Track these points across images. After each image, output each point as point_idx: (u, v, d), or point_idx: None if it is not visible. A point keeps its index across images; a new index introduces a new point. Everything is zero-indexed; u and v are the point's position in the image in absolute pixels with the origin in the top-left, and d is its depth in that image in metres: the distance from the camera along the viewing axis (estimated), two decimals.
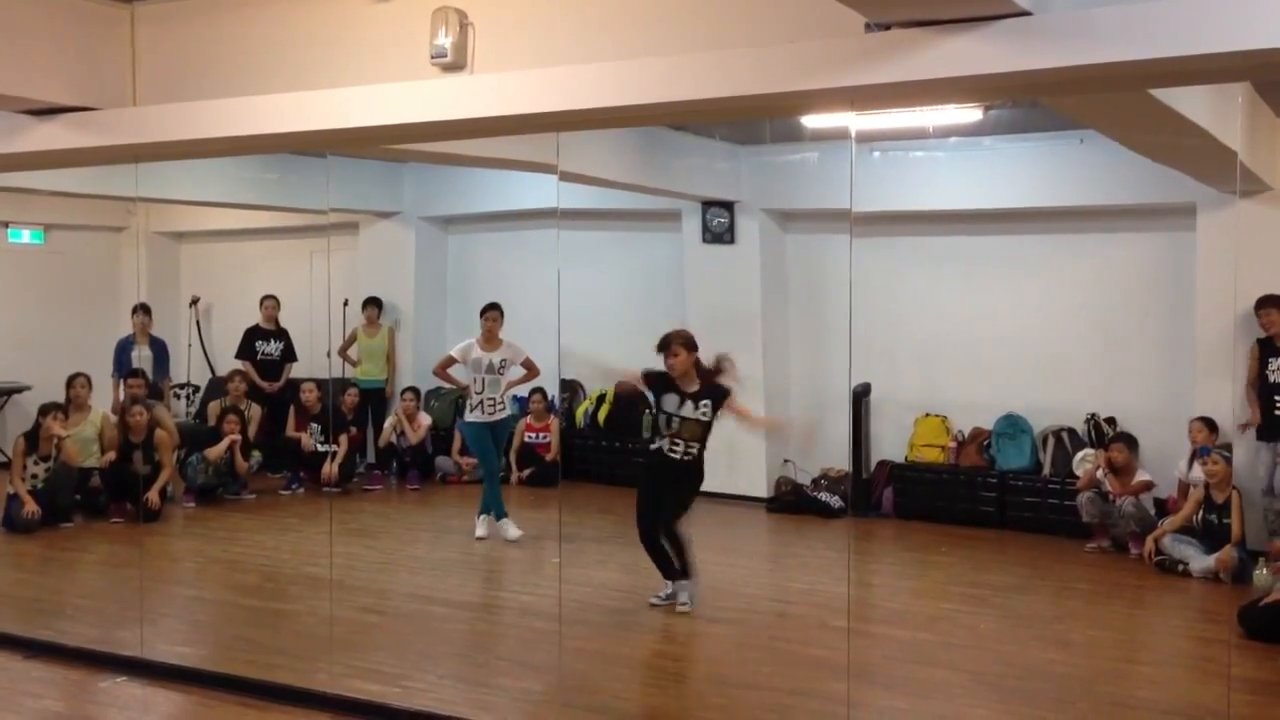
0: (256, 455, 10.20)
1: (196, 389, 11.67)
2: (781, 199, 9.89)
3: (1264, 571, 7.04)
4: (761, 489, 9.87)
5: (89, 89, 5.57)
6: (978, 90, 4.72)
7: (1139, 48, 3.66)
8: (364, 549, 8.22)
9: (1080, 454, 8.82)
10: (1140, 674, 5.93)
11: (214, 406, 10.54)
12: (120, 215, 11.92)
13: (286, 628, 6.53)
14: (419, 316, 11.66)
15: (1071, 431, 8.99)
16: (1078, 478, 8.57)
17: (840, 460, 9.67)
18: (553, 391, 10.38)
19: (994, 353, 9.33)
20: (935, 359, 9.60)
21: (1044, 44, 3.77)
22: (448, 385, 9.13)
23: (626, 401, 10.51)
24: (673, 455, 6.59)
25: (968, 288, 9.51)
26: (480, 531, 8.45)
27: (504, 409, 8.52)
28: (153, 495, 9.07)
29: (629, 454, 10.40)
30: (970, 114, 7.66)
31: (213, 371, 11.85)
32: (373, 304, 11.22)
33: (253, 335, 11.04)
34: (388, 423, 10.75)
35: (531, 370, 8.65)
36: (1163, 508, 8.24)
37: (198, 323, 11.94)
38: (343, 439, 10.34)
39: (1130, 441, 8.33)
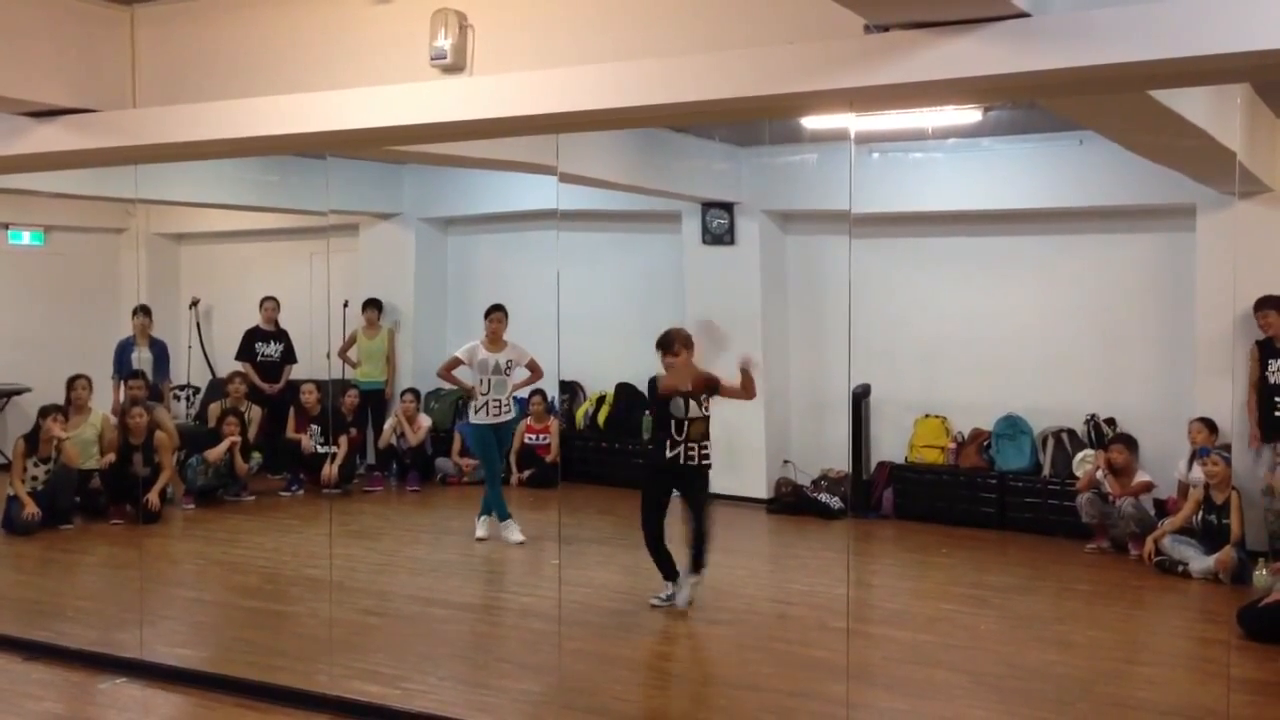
0: (256, 457, 10.20)
1: (196, 390, 11.68)
2: (781, 200, 9.89)
3: (1263, 572, 7.04)
4: (761, 490, 9.87)
5: (89, 91, 5.58)
6: (977, 91, 4.72)
7: (1138, 49, 3.66)
8: (364, 550, 8.22)
9: (1080, 455, 8.82)
10: (1140, 675, 5.93)
11: (214, 408, 10.54)
12: (120, 217, 11.92)
13: (286, 629, 6.53)
14: (419, 318, 11.67)
15: (1071, 432, 8.99)
16: (1077, 478, 8.57)
17: (840, 461, 9.68)
18: (552, 393, 10.38)
19: (994, 354, 9.34)
20: (935, 360, 9.60)
21: (1043, 45, 3.77)
22: (448, 386, 9.13)
23: (627, 402, 10.53)
24: (689, 462, 6.62)
25: (967, 289, 9.51)
26: (480, 533, 8.45)
27: (510, 411, 8.52)
28: (153, 497, 9.07)
29: (629, 455, 10.41)
30: (969, 115, 7.66)
31: (213, 373, 11.86)
32: (372, 305, 11.22)
33: (252, 337, 11.05)
34: (388, 424, 10.76)
35: (535, 372, 8.64)
36: (1162, 508, 8.24)
37: (198, 324, 11.94)
38: (342, 440, 10.34)
39: (1130, 442, 8.33)
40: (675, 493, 6.81)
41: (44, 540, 8.59)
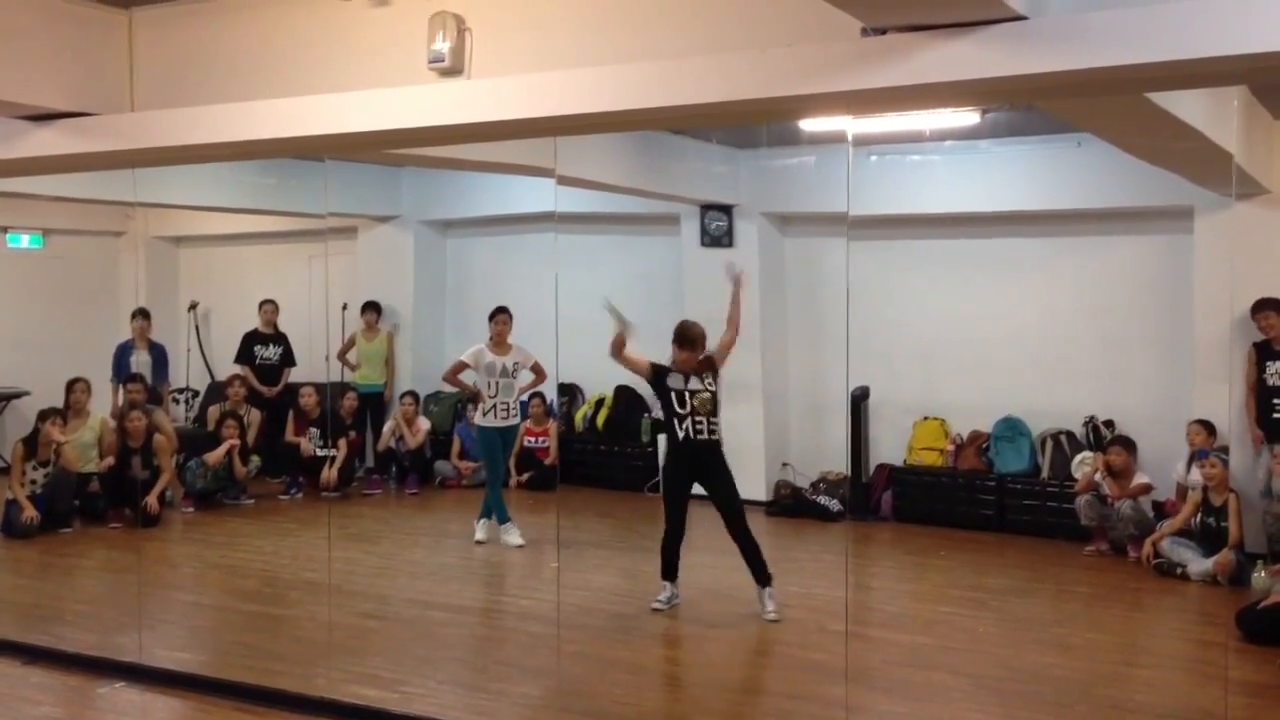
0: (255, 460, 10.20)
1: (195, 394, 11.68)
2: (779, 202, 9.90)
3: (1262, 574, 7.04)
4: (760, 492, 9.86)
5: (87, 94, 5.58)
6: (974, 94, 4.73)
7: (1134, 52, 3.67)
8: (363, 554, 8.22)
9: (1079, 457, 8.82)
10: (1139, 677, 5.93)
11: (213, 411, 10.55)
12: (119, 220, 11.93)
13: (285, 633, 6.52)
14: (418, 320, 11.67)
15: (1070, 434, 8.99)
16: (1076, 481, 8.57)
17: (839, 463, 9.68)
18: (551, 396, 10.38)
19: (992, 356, 9.34)
20: (933, 362, 9.61)
21: (1040, 48, 3.78)
22: (448, 389, 9.11)
23: (625, 405, 10.53)
24: (698, 437, 6.59)
25: (965, 291, 9.51)
26: (480, 536, 8.45)
27: (516, 414, 8.52)
28: (151, 500, 9.07)
29: (628, 458, 10.42)
30: (967, 118, 7.66)
31: (211, 376, 11.86)
32: (371, 308, 11.22)
33: (251, 340, 11.05)
34: (386, 427, 10.76)
35: (539, 375, 8.63)
36: (1161, 510, 8.24)
37: (196, 327, 11.94)
38: (341, 443, 10.34)
39: (1128, 444, 8.33)
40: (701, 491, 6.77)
41: (43, 544, 8.58)
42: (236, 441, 9.85)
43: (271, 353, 11.05)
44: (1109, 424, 8.89)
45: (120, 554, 8.40)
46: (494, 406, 8.31)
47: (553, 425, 10.54)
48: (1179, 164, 7.07)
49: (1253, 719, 5.26)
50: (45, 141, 5.68)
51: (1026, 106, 6.98)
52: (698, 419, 6.61)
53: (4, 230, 11.47)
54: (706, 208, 9.95)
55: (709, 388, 6.67)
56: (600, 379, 10.60)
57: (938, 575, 8.01)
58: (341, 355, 11.06)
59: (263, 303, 11.09)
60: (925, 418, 9.60)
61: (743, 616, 6.76)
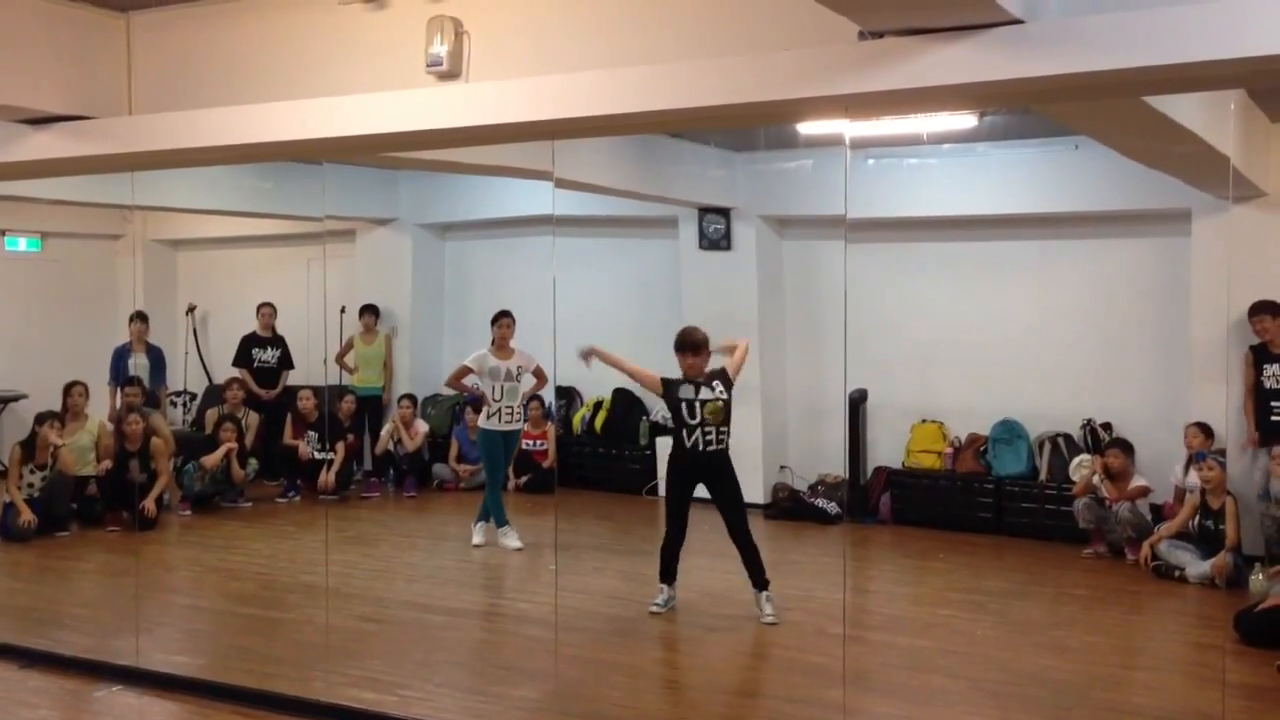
0: (253, 463, 10.19)
1: (193, 397, 11.67)
2: (777, 205, 9.90)
3: (1260, 577, 7.04)
4: (759, 495, 9.86)
5: (85, 98, 5.58)
6: (971, 97, 4.73)
7: (1132, 55, 3.68)
8: (361, 557, 8.22)
9: (1076, 459, 8.83)
10: (1136, 679, 5.93)
11: (211, 414, 10.54)
12: (117, 223, 11.92)
13: (283, 636, 6.52)
14: (416, 324, 11.67)
15: (1068, 437, 9.00)
16: (1074, 483, 8.57)
17: (837, 466, 9.68)
18: (549, 398, 10.37)
19: (990, 359, 9.35)
20: (931, 365, 9.61)
21: (1037, 52, 3.79)
22: (446, 392, 9.10)
23: (624, 407, 10.53)
24: (707, 448, 6.57)
25: (963, 294, 9.52)
26: (477, 539, 8.44)
27: (521, 418, 8.49)
28: (149, 503, 9.06)
29: (626, 461, 10.42)
30: (964, 121, 7.67)
31: (209, 379, 11.85)
32: (369, 311, 11.22)
33: (249, 343, 11.04)
34: (385, 430, 10.75)
35: (541, 379, 8.61)
36: (1159, 513, 8.25)
37: (194, 330, 11.94)
38: (340, 446, 10.34)
39: (1126, 447, 8.34)
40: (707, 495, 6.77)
41: (40, 547, 8.57)
42: (234, 444, 9.85)
43: (269, 356, 11.04)
44: (1107, 427, 8.90)
45: (118, 557, 8.39)
46: (498, 410, 8.30)
47: (551, 428, 10.54)
48: (1176, 167, 7.08)
49: None
50: (43, 145, 5.69)
51: (1024, 110, 6.98)
52: (708, 429, 6.56)
53: (2, 233, 11.46)
54: (704, 211, 9.95)
55: (720, 395, 6.62)
56: (598, 382, 10.59)
57: (936, 578, 8.01)
58: (339, 358, 11.06)
59: (260, 306, 11.09)
60: (923, 420, 9.60)
61: (741, 619, 6.76)
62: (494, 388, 8.29)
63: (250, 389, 10.75)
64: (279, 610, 7.09)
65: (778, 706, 5.35)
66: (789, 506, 9.64)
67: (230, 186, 10.05)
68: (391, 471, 10.70)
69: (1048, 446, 9.01)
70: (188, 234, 12.41)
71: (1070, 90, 4.10)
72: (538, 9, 4.80)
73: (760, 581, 6.63)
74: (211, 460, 9.77)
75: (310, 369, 10.89)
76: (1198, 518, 7.58)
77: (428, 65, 4.85)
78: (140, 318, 10.32)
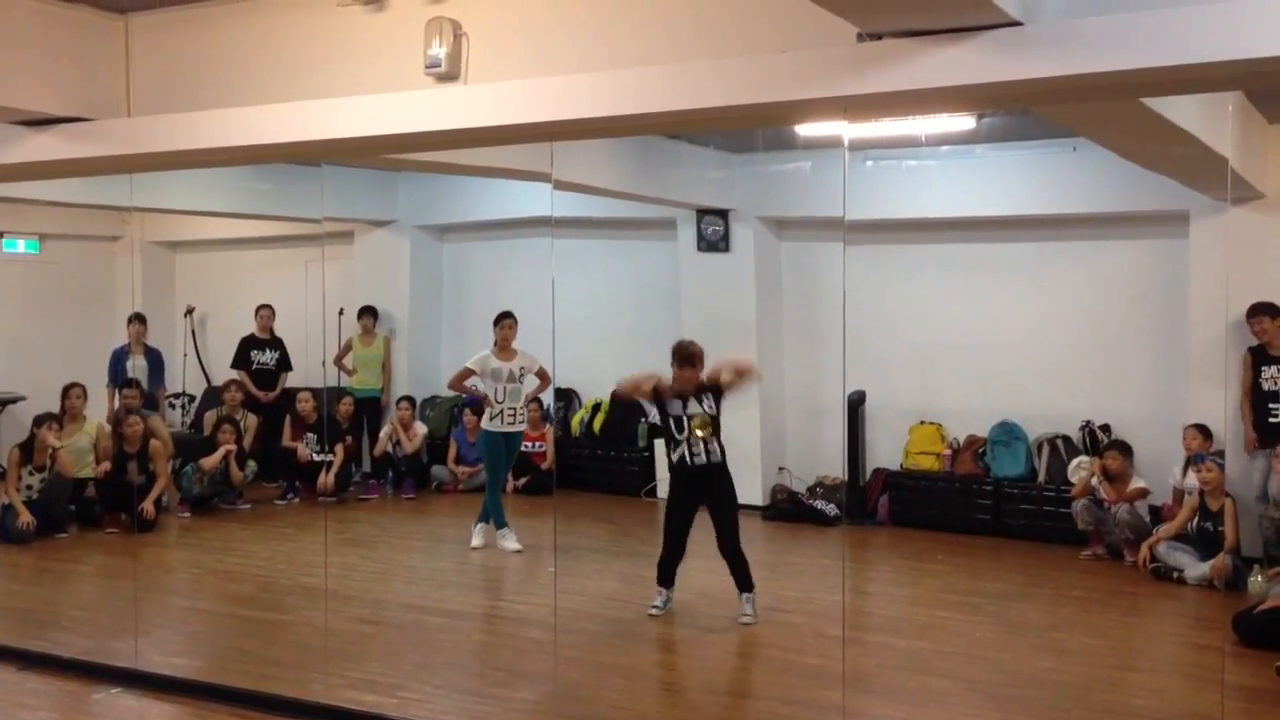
0: (252, 465, 10.19)
1: (192, 399, 11.67)
2: (776, 207, 9.91)
3: (1258, 578, 7.05)
4: (757, 497, 9.86)
5: (83, 100, 5.58)
6: (970, 99, 4.74)
7: (1130, 57, 3.68)
8: (359, 559, 8.21)
9: (1075, 461, 8.83)
10: (1135, 681, 5.93)
11: (209, 416, 10.54)
12: (115, 225, 11.92)
13: (281, 638, 6.52)
14: (414, 325, 11.66)
15: (1066, 439, 9.00)
16: (1072, 485, 8.57)
17: (836, 468, 9.68)
18: (548, 400, 10.38)
19: (988, 360, 9.35)
20: (930, 367, 9.62)
21: (1035, 53, 3.79)
22: (445, 394, 9.08)
23: (622, 409, 10.53)
24: (696, 461, 6.56)
25: (962, 295, 9.52)
26: (476, 541, 8.44)
27: (524, 420, 8.48)
28: (148, 505, 9.05)
29: (624, 463, 10.42)
30: (963, 122, 7.67)
31: (208, 381, 11.85)
32: (368, 313, 11.21)
33: (248, 345, 11.04)
34: (383, 432, 10.75)
35: (544, 380, 8.59)
36: (1157, 515, 8.25)
37: (193, 332, 11.94)
38: (338, 448, 10.34)
39: (1125, 449, 8.34)
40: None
41: (38, 549, 8.57)
42: (233, 446, 9.85)
43: (268, 358, 11.04)
44: (1105, 428, 8.90)
45: (116, 559, 8.39)
46: (500, 412, 8.29)
47: (549, 430, 10.54)
48: (1174, 169, 7.08)
49: None
50: (42, 146, 5.68)
51: (1022, 111, 6.99)
52: (694, 444, 6.56)
53: (0, 235, 11.46)
54: (703, 212, 9.95)
55: (708, 410, 6.60)
56: (597, 384, 10.61)
57: (934, 580, 8.01)
58: (338, 360, 11.06)
59: (259, 308, 11.08)
60: (922, 422, 9.60)
61: (739, 622, 6.76)
62: (496, 389, 8.27)
63: (249, 391, 10.74)
64: (278, 612, 7.08)
65: (776, 708, 5.35)
66: (787, 508, 9.64)
67: (229, 188, 10.05)
68: (390, 473, 10.69)
69: (1046, 448, 9.01)
70: (186, 236, 12.41)
71: (1069, 92, 4.11)
72: (536, 11, 4.80)
73: (746, 585, 6.64)
74: (210, 462, 9.77)
75: (309, 371, 10.89)
76: (1196, 519, 7.58)
77: (426, 67, 4.85)
78: (139, 319, 10.32)
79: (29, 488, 8.89)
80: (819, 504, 9.55)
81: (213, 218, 11.39)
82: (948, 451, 9.42)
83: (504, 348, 8.37)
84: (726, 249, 9.96)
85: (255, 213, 10.73)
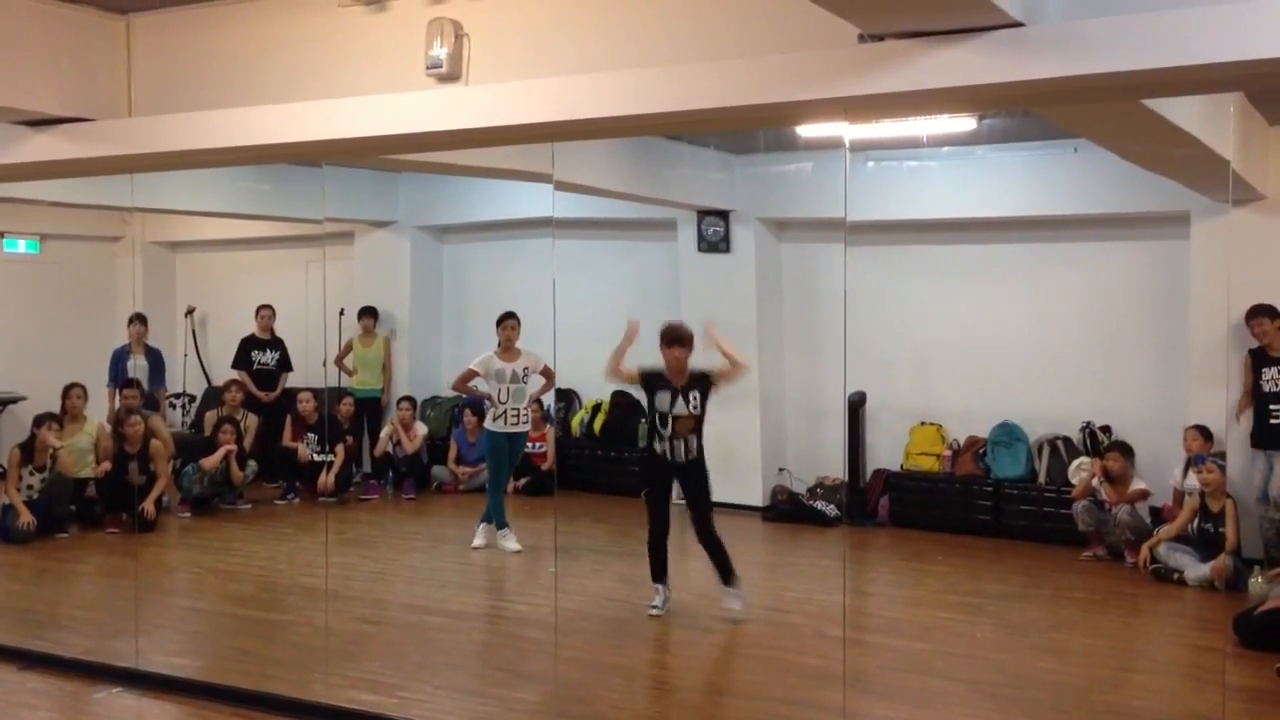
0: (252, 465, 10.19)
1: (192, 399, 11.66)
2: (776, 208, 9.91)
3: (1259, 580, 7.05)
4: (758, 498, 9.87)
5: (84, 100, 5.58)
6: (971, 100, 4.74)
7: (1131, 59, 3.68)
8: (360, 559, 8.22)
9: (1075, 462, 8.83)
10: (1136, 682, 5.94)
11: (210, 416, 10.54)
12: (116, 225, 11.92)
13: (282, 638, 6.52)
14: (415, 326, 11.66)
15: (1067, 440, 9.00)
16: (1073, 486, 8.57)
17: (836, 469, 9.68)
18: (549, 401, 10.37)
19: (989, 361, 9.35)
20: (930, 368, 9.62)
21: (1037, 55, 3.79)
22: (445, 394, 9.07)
23: (622, 410, 10.52)
24: (676, 458, 6.62)
25: (962, 296, 9.52)
26: (478, 541, 8.43)
27: (527, 420, 8.45)
28: (148, 505, 9.05)
29: (625, 463, 10.41)
30: (964, 123, 7.67)
31: (208, 381, 11.84)
32: (368, 314, 11.21)
33: (248, 345, 11.04)
34: (384, 432, 10.75)
35: (549, 379, 8.58)
36: (1158, 516, 8.25)
37: (193, 333, 11.93)
38: (339, 449, 10.34)
39: (1125, 450, 8.34)
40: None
41: (39, 549, 8.57)
42: (233, 447, 9.85)
43: (268, 358, 11.04)
44: (1106, 429, 8.90)
45: (117, 559, 8.39)
46: (504, 413, 8.28)
47: (550, 430, 10.53)
48: (1175, 170, 7.08)
49: None
50: (43, 147, 5.69)
51: (1023, 112, 6.98)
52: (677, 441, 6.62)
53: (1, 235, 11.46)
54: (703, 213, 9.95)
55: (694, 411, 6.64)
56: (597, 384, 10.56)
57: (935, 580, 8.01)
58: (338, 360, 11.06)
59: (260, 308, 11.08)
60: (922, 423, 9.60)
61: (740, 622, 6.76)
62: (499, 390, 8.27)
63: (249, 391, 10.74)
64: (278, 612, 7.09)
65: (776, 709, 5.35)
66: (788, 509, 9.64)
67: (229, 189, 10.05)
68: (390, 474, 10.69)
69: (1047, 449, 9.01)
70: (187, 236, 12.41)
71: (1070, 93, 4.10)
72: (538, 11, 4.80)
73: (728, 577, 6.67)
74: (211, 462, 9.77)
75: (309, 371, 10.89)
76: (1197, 520, 7.58)
77: (428, 68, 4.85)
78: (139, 320, 10.32)
79: (30, 488, 8.89)
80: (819, 505, 9.55)
81: (213, 218, 11.39)
82: (948, 452, 9.42)
83: (507, 348, 8.37)
84: (727, 250, 9.96)
85: (256, 213, 10.73)
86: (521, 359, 8.35)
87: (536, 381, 8.48)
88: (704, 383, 6.69)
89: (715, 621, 6.72)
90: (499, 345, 8.38)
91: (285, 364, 11.08)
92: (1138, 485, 8.22)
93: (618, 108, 4.53)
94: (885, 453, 9.67)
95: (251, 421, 10.49)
